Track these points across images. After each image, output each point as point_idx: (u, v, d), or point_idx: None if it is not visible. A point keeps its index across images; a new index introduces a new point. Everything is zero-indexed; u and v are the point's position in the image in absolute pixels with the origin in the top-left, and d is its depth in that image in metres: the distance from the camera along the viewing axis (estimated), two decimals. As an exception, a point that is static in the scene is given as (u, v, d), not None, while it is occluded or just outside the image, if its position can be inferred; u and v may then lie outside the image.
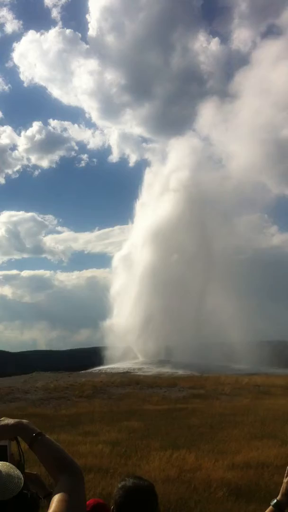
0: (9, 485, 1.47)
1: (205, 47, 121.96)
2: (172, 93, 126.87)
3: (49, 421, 15.61)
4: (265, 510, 2.06)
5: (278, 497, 2.04)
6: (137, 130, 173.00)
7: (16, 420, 1.60)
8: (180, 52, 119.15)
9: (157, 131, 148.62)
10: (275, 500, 2.04)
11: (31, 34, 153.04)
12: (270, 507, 2.04)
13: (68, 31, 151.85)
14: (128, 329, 57.03)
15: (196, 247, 59.93)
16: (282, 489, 2.04)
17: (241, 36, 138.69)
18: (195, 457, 9.76)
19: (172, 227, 61.65)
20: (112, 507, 1.85)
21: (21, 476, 1.52)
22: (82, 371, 42.19)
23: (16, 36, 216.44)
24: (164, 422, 14.97)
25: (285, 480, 2.03)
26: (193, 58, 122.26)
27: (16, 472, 1.52)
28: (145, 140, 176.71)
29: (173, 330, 54.09)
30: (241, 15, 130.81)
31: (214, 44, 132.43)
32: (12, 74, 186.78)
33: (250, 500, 6.80)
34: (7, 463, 1.54)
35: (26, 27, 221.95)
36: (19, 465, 1.58)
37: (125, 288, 61.07)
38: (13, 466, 1.54)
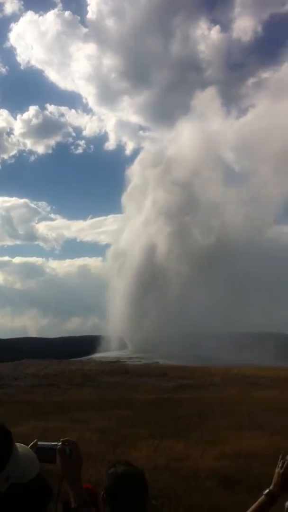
0: (35, 464, 1.49)
1: (205, 35, 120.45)
2: (171, 81, 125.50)
3: (38, 408, 15.61)
4: (255, 499, 2.04)
5: (270, 487, 2.02)
6: (134, 118, 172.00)
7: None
8: (180, 39, 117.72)
9: (154, 119, 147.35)
10: (267, 490, 2.02)
11: (29, 15, 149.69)
12: (262, 497, 2.02)
13: (67, 13, 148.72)
14: (119, 319, 57.19)
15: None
16: (274, 479, 2.02)
17: (241, 25, 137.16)
18: (184, 446, 9.78)
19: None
20: (102, 493, 1.80)
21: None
22: (72, 359, 42.29)
23: (15, 17, 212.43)
24: (153, 411, 15.01)
25: (277, 470, 2.01)
26: (193, 46, 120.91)
27: (33, 454, 1.55)
28: (142, 128, 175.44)
29: (164, 321, 54.24)
30: (243, 3, 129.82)
31: (215, 32, 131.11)
32: (8, 55, 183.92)
33: (240, 490, 6.80)
34: (24, 445, 1.55)
35: (26, 8, 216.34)
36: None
37: (119, 281, 61.18)
38: (29, 449, 1.56)
